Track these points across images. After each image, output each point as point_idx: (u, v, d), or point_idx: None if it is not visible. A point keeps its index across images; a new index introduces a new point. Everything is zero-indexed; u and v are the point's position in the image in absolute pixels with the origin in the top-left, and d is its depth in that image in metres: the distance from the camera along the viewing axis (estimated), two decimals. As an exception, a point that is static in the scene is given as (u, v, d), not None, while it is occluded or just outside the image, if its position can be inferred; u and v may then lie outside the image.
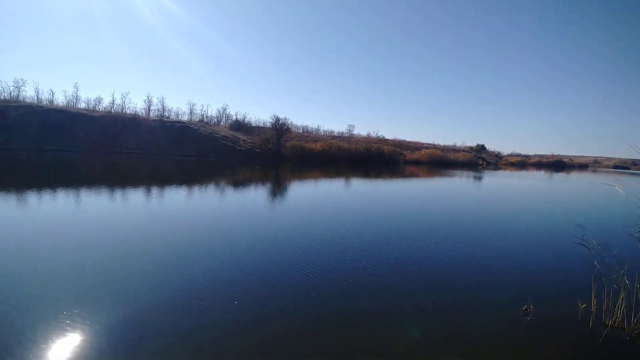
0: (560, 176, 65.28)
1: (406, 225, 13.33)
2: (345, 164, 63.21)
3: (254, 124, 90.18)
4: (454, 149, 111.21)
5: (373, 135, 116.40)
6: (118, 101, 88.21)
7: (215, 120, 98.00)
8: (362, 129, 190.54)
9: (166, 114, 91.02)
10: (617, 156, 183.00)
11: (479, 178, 46.65)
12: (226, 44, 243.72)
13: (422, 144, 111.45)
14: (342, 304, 6.26)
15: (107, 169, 35.61)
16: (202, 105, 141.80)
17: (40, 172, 29.55)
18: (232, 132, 78.10)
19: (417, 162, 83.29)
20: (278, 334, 5.21)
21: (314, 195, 22.46)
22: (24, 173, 28.00)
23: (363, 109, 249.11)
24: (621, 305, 5.81)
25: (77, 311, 5.45)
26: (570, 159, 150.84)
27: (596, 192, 32.64)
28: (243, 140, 73.92)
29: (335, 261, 8.55)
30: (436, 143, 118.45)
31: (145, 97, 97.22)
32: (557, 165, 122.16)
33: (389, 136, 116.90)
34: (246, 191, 22.66)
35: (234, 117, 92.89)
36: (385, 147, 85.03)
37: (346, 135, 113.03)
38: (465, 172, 57.63)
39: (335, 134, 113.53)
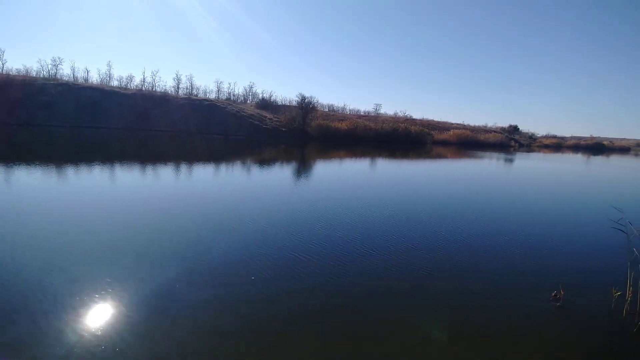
0: (598, 159, 62.22)
1: (433, 208, 13.03)
2: (371, 144, 62.41)
3: (280, 103, 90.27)
4: (484, 130, 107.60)
5: (400, 114, 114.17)
6: (148, 79, 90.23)
7: (242, 98, 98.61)
8: (389, 108, 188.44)
9: (194, 92, 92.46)
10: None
11: (511, 160, 45.08)
12: (253, 22, 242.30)
13: (451, 124, 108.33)
14: (362, 284, 6.17)
15: (140, 146, 36.62)
16: (229, 84, 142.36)
17: (78, 148, 30.72)
18: (258, 111, 78.40)
19: (445, 143, 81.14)
20: (293, 310, 5.21)
21: (338, 176, 22.33)
22: (63, 149, 29.18)
23: (390, 87, 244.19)
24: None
25: (107, 280, 5.60)
26: (610, 141, 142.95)
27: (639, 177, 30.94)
28: (269, 118, 74.12)
29: (358, 241, 8.43)
30: (466, 123, 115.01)
31: (174, 75, 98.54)
32: (595, 148, 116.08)
33: (416, 116, 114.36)
34: (271, 170, 22.81)
35: (260, 96, 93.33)
36: (412, 127, 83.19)
37: (372, 114, 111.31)
38: (496, 154, 55.76)
39: (362, 113, 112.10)
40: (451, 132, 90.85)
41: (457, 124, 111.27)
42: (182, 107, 72.58)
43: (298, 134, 68.04)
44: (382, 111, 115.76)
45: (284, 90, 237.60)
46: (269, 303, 5.37)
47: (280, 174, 20.91)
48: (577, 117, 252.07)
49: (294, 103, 78.17)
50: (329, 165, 27.93)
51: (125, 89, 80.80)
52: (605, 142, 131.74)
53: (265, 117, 74.81)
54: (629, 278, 5.77)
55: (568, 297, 5.97)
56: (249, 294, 5.59)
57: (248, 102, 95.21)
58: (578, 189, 22.10)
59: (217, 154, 32.05)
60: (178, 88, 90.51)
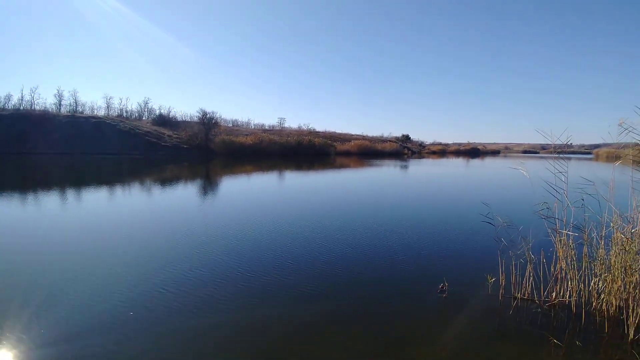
0: (475, 162, 71.12)
1: (325, 215, 13.52)
2: (278, 157, 62.90)
3: (179, 119, 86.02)
4: (381, 140, 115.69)
5: (304, 127, 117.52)
6: (27, 97, 78.33)
7: (137, 115, 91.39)
8: (293, 122, 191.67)
9: (79, 109, 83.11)
10: (526, 142, 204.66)
11: (405, 167, 49.11)
12: (148, 28, 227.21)
13: (352, 135, 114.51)
14: (248, 301, 6.14)
15: (10, 173, 31.53)
16: (121, 99, 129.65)
17: None
18: (155, 128, 73.66)
19: (347, 153, 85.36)
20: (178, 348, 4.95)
21: (245, 190, 21.89)
22: None
23: (293, 101, 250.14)
24: (529, 279, 6.37)
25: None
26: (484, 146, 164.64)
27: (504, 175, 35.95)
28: (168, 135, 70.05)
29: (260, 255, 8.40)
30: (365, 134, 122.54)
31: (55, 92, 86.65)
32: (472, 152, 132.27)
33: (319, 128, 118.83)
34: (173, 189, 21.43)
35: (157, 112, 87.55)
36: (316, 139, 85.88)
37: (277, 128, 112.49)
38: (393, 162, 60.34)
39: (267, 127, 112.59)
40: (352, 142, 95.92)
41: (357, 135, 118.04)
42: (64, 126, 64.90)
43: (201, 150, 65.53)
44: (286, 125, 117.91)
45: (184, 105, 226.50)
46: (153, 338, 5.00)
47: (184, 193, 19.73)
48: (457, 125, 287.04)
49: (196, 119, 75.11)
50: (237, 181, 27.34)
51: (3, 109, 69.53)
52: (479, 147, 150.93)
53: (164, 133, 70.54)
54: (500, 265, 6.65)
55: (452, 288, 6.72)
56: (131, 330, 5.14)
57: (144, 118, 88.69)
58: (456, 189, 24.84)
59: (107, 177, 29.14)
60: (60, 105, 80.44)
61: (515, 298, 6.34)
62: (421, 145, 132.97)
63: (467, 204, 17.45)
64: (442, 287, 6.70)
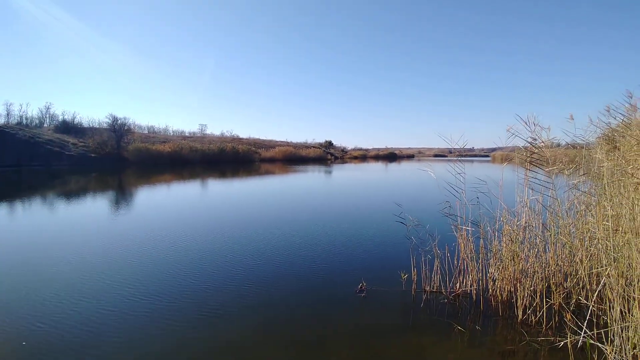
0: (392, 165, 75.44)
1: (242, 224, 13.29)
2: (199, 165, 60.55)
3: (86, 125, 78.42)
4: (305, 146, 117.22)
5: (227, 134, 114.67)
6: None
7: (37, 121, 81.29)
8: (215, 128, 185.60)
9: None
10: (437, 146, 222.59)
11: (328, 172, 50.28)
12: (59, 24, 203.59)
13: (277, 141, 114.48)
14: (177, 303, 5.93)
15: None
16: (21, 105, 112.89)
17: None
18: (58, 135, 66.36)
19: (272, 160, 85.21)
20: None
21: (161, 202, 20.65)
22: None
23: (216, 107, 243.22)
24: (437, 273, 6.94)
25: None
26: (400, 150, 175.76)
27: (416, 177, 38.55)
28: (73, 143, 63.51)
29: (181, 264, 8.08)
30: (289, 140, 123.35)
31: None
32: (390, 156, 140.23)
33: (243, 135, 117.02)
34: (79, 204, 19.43)
35: (60, 118, 78.80)
36: (239, 146, 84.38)
37: (199, 135, 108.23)
38: (317, 167, 61.44)
39: (187, 134, 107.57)
40: (276, 149, 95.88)
41: (282, 141, 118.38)
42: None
43: (112, 159, 60.59)
44: (208, 132, 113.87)
45: (91, 111, 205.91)
46: None
47: (92, 208, 17.96)
48: (376, 129, 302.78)
49: (105, 125, 69.10)
50: (154, 191, 25.63)
51: None
52: (396, 152, 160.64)
53: (68, 142, 63.83)
54: (412, 261, 7.13)
55: (370, 287, 7.07)
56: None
57: (45, 125, 79.33)
58: (373, 192, 25.78)
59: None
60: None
61: (425, 291, 6.86)
62: (343, 150, 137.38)
63: (383, 205, 18.22)
64: (361, 288, 6.99)
